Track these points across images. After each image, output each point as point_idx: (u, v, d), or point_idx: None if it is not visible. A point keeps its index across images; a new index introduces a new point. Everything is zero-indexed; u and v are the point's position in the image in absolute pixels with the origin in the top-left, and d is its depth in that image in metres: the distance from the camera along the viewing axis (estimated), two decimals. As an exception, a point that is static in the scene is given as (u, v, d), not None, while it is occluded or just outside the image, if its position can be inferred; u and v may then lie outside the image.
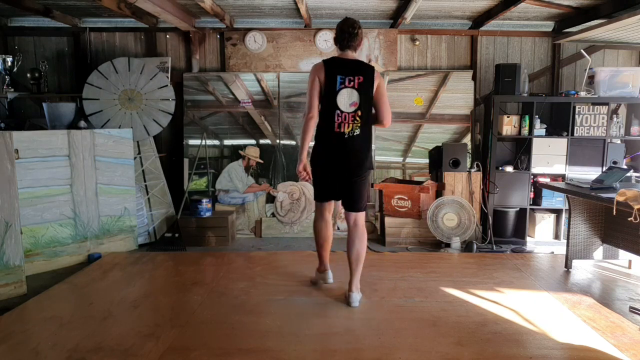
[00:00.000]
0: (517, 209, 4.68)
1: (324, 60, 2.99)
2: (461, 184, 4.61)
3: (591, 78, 4.55)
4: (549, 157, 4.57)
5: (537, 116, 4.57)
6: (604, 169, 4.27)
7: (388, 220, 4.63)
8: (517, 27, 5.03)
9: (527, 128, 4.58)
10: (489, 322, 2.80)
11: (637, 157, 4.69)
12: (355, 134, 2.95)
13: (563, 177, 4.56)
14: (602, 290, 3.43)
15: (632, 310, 2.99)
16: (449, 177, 4.61)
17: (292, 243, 4.68)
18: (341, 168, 3.01)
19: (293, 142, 5.01)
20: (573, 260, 3.81)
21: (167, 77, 4.84)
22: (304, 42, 5.01)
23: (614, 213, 3.04)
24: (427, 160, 5.02)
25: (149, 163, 4.73)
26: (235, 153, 5.03)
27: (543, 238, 4.67)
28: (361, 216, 3.09)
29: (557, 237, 4.69)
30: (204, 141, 5.01)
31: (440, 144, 4.78)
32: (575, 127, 4.52)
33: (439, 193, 4.65)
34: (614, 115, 4.54)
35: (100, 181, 4.19)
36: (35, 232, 3.79)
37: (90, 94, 4.55)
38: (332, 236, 3.27)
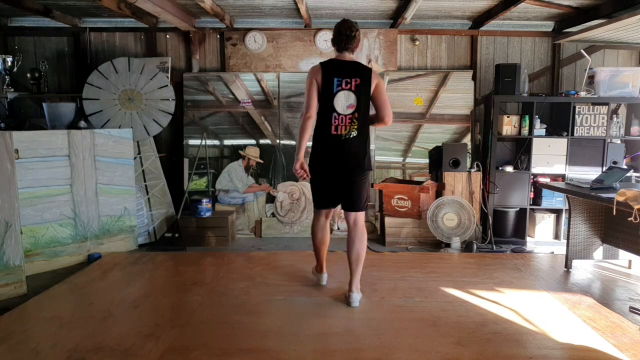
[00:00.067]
0: (517, 209, 4.68)
1: (321, 63, 2.99)
2: (461, 184, 4.61)
3: (591, 78, 4.55)
4: (549, 157, 4.57)
5: (537, 116, 4.57)
6: (604, 169, 4.27)
7: (388, 220, 4.63)
8: (517, 27, 5.03)
9: (527, 128, 4.58)
10: (489, 322, 2.80)
11: (637, 157, 4.69)
12: (352, 135, 2.96)
13: (563, 177, 4.56)
14: (602, 290, 3.43)
15: (632, 310, 2.99)
16: (449, 177, 4.61)
17: (292, 243, 4.68)
18: (339, 169, 3.01)
19: (293, 142, 5.01)
20: (573, 260, 3.81)
21: (167, 77, 4.84)
22: (304, 42, 5.01)
23: (614, 213, 3.04)
24: (427, 160, 5.02)
25: (149, 163, 4.73)
26: (235, 153, 5.03)
27: (543, 238, 4.67)
28: (361, 216, 3.09)
29: (557, 237, 4.69)
30: (204, 141, 5.01)
31: (440, 144, 4.78)
32: (575, 127, 4.52)
33: (439, 193, 4.65)
34: (614, 115, 4.54)
35: (100, 181, 4.19)
36: (35, 232, 3.79)
37: (90, 94, 4.55)
38: (330, 239, 3.28)
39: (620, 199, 2.94)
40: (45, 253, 3.84)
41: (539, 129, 4.60)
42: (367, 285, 3.32)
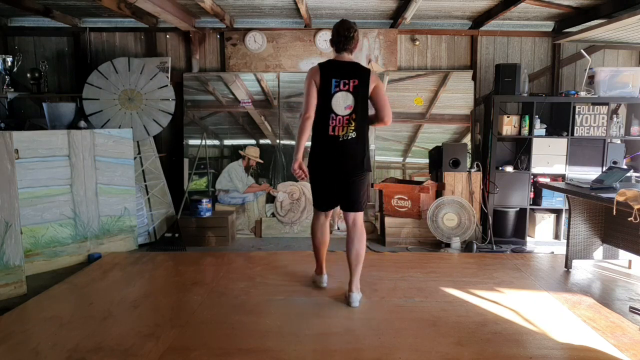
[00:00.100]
0: (517, 209, 4.68)
1: (319, 64, 3.00)
2: (461, 184, 4.61)
3: (591, 78, 4.55)
4: (549, 157, 4.57)
5: (537, 116, 4.57)
6: (604, 169, 4.27)
7: (388, 220, 4.63)
8: (517, 27, 5.03)
9: (527, 128, 4.58)
10: (489, 322, 2.80)
11: (637, 157, 4.69)
12: (349, 137, 2.96)
13: (563, 177, 4.56)
14: (602, 290, 3.43)
15: (632, 310, 2.99)
16: (449, 177, 4.61)
17: (292, 243, 4.68)
18: (337, 170, 3.01)
19: (293, 142, 5.00)
20: (573, 260, 3.81)
21: (167, 77, 4.84)
22: (304, 42, 5.01)
23: (614, 213, 3.04)
24: (427, 160, 5.02)
25: (149, 163, 4.73)
26: (235, 153, 5.03)
27: (543, 238, 4.67)
28: (360, 216, 3.09)
29: (557, 237, 4.69)
30: (204, 141, 5.01)
31: (440, 144, 4.78)
32: (575, 127, 4.52)
33: (439, 193, 4.65)
34: (614, 115, 4.54)
35: (100, 181, 4.19)
36: (35, 232, 3.79)
37: (90, 94, 4.55)
38: (330, 240, 3.27)
39: (620, 199, 2.94)
40: (45, 253, 3.84)
41: (539, 129, 4.60)
42: (367, 285, 3.33)
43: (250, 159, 5.01)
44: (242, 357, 2.40)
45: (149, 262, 3.99)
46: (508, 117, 4.63)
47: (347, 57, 3.01)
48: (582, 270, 3.83)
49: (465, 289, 3.32)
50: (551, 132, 4.64)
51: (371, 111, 3.07)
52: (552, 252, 4.37)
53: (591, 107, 4.50)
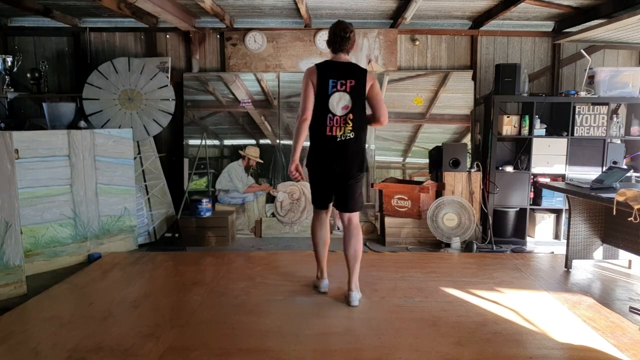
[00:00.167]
0: (517, 209, 4.68)
1: (316, 64, 3.02)
2: (461, 184, 4.61)
3: (591, 78, 4.55)
4: (549, 157, 4.57)
5: (537, 116, 4.57)
6: (604, 169, 4.27)
7: (388, 220, 4.63)
8: (517, 27, 5.03)
9: (527, 128, 4.58)
10: (489, 322, 2.80)
11: (637, 157, 4.69)
12: (347, 137, 2.97)
13: (563, 177, 4.56)
14: (602, 290, 3.43)
15: (632, 310, 2.99)
16: (449, 177, 4.61)
17: (292, 243, 4.68)
18: (334, 170, 3.02)
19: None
20: (573, 260, 3.81)
21: (167, 77, 4.84)
22: (304, 42, 5.01)
23: (614, 213, 3.04)
24: (427, 160, 5.01)
25: (149, 163, 4.73)
26: (235, 153, 5.03)
27: (543, 238, 4.67)
28: (355, 215, 3.10)
29: (557, 237, 4.69)
30: (204, 141, 5.01)
31: (440, 144, 4.78)
32: (575, 127, 4.52)
33: (439, 193, 4.65)
34: (614, 115, 4.54)
35: (100, 181, 4.19)
36: (35, 232, 3.79)
37: (90, 94, 4.55)
38: (330, 240, 3.25)
39: (620, 199, 2.94)
40: (45, 253, 3.84)
41: (539, 129, 4.60)
42: (367, 285, 3.33)
43: (250, 159, 5.01)
44: (242, 357, 2.40)
45: (149, 262, 3.99)
46: (508, 117, 4.63)
47: (343, 57, 3.03)
48: (582, 270, 3.83)
49: (465, 289, 3.32)
50: (551, 132, 4.64)
51: (368, 111, 3.08)
52: (552, 252, 4.37)
53: (591, 107, 4.50)
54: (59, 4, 4.46)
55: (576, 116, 4.50)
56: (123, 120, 4.59)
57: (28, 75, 4.74)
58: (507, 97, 4.58)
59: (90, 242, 4.13)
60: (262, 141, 5.05)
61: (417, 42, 5.08)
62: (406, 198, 4.58)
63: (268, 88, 5.02)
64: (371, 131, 4.90)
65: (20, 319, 2.86)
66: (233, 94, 5.02)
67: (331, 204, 3.17)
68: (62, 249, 3.94)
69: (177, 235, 4.55)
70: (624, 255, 3.77)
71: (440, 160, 4.67)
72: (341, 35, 2.96)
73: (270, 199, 4.98)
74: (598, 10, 4.22)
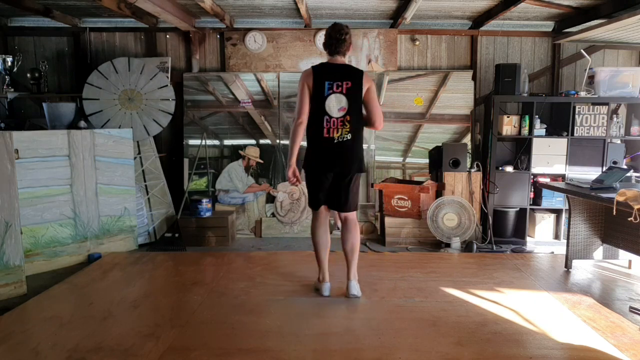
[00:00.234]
0: (517, 209, 4.68)
1: (312, 67, 3.04)
2: (461, 184, 4.61)
3: (591, 78, 4.55)
4: (549, 157, 4.57)
5: (537, 116, 4.57)
6: (604, 169, 4.27)
7: (388, 220, 4.63)
8: (517, 27, 5.03)
9: (527, 128, 4.58)
10: (489, 322, 2.80)
11: (637, 157, 4.69)
12: (345, 139, 2.99)
13: (563, 177, 4.56)
14: (602, 290, 3.43)
15: (632, 310, 2.99)
16: (449, 177, 4.61)
17: (292, 243, 4.68)
18: (332, 172, 3.04)
19: (293, 142, 5.01)
20: (573, 260, 3.81)
21: (167, 77, 4.84)
22: (304, 42, 5.01)
23: (614, 213, 3.04)
24: (427, 160, 5.01)
25: (149, 163, 4.73)
26: (235, 153, 5.03)
27: (543, 238, 4.67)
28: (352, 213, 3.17)
29: (557, 237, 4.69)
30: (204, 141, 5.01)
31: (440, 144, 4.78)
32: (575, 127, 4.52)
33: (439, 193, 4.65)
34: (614, 115, 4.54)
35: (100, 181, 4.19)
36: (35, 232, 3.79)
37: (90, 94, 4.55)
38: (330, 241, 3.25)
39: (620, 199, 2.94)
40: (45, 253, 3.84)
41: (539, 129, 4.60)
42: (367, 285, 3.33)
43: (250, 159, 5.01)
44: (242, 357, 2.40)
45: (149, 262, 3.99)
46: (508, 117, 4.63)
47: (340, 59, 3.06)
48: (582, 270, 3.83)
49: (465, 289, 3.32)
50: (551, 132, 4.64)
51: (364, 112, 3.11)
52: (552, 252, 4.37)
53: (591, 107, 4.50)
54: (59, 4, 4.46)
55: (576, 116, 4.50)
56: (123, 120, 4.59)
57: (28, 75, 4.74)
58: (507, 97, 4.58)
59: (90, 242, 4.13)
60: (262, 141, 5.05)
61: (417, 42, 5.08)
62: (406, 198, 4.58)
63: (268, 88, 5.02)
64: (371, 131, 4.90)
65: (20, 319, 2.86)
66: (233, 94, 5.02)
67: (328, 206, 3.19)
68: (62, 249, 3.94)
69: (177, 235, 4.55)
70: (624, 255, 3.77)
71: (440, 160, 4.67)
72: (336, 37, 2.99)
73: (270, 199, 4.98)
74: (598, 10, 4.22)
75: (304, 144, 3.10)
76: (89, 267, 3.85)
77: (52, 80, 5.07)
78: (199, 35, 5.04)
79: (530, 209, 4.65)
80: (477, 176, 4.63)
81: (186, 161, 5.00)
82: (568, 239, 3.77)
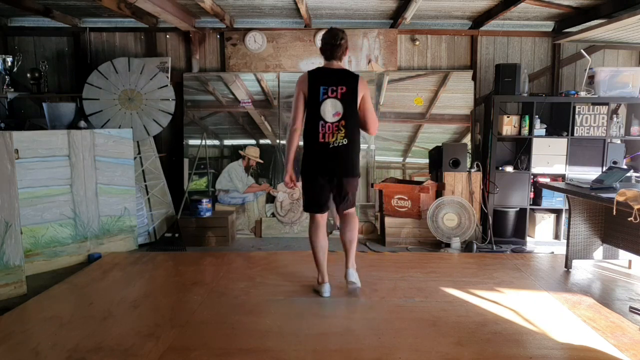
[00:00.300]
0: (517, 209, 4.68)
1: (308, 72, 3.08)
2: (461, 184, 4.61)
3: (591, 78, 4.55)
4: (549, 157, 4.57)
5: (537, 116, 4.57)
6: (604, 169, 4.27)
7: (388, 220, 4.63)
8: (517, 27, 5.03)
9: (527, 128, 4.58)
10: (489, 322, 2.80)
11: (637, 157, 4.69)
12: (340, 144, 3.02)
13: (563, 177, 4.56)
14: (602, 290, 3.43)
15: (632, 310, 2.99)
16: (449, 177, 4.61)
17: (292, 243, 4.68)
18: (327, 176, 3.07)
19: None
20: (573, 260, 3.81)
21: (167, 77, 4.84)
22: (304, 42, 5.01)
23: (614, 213, 3.04)
24: (427, 160, 5.02)
25: (149, 163, 4.73)
26: (235, 153, 5.03)
27: (543, 238, 4.67)
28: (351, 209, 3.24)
29: (557, 237, 4.69)
30: (204, 141, 5.01)
31: (440, 144, 4.78)
32: (575, 127, 4.52)
33: (439, 193, 4.65)
34: (614, 115, 4.54)
35: (100, 181, 4.19)
36: (35, 232, 3.79)
37: (90, 94, 4.55)
38: (328, 243, 3.26)
39: (620, 199, 2.94)
40: (45, 253, 3.84)
41: (539, 129, 4.60)
42: (367, 285, 3.33)
43: (250, 159, 5.01)
44: (242, 357, 2.40)
45: (149, 262, 3.99)
46: (508, 117, 4.63)
47: (336, 64, 3.08)
48: (582, 270, 3.83)
49: (465, 289, 3.32)
50: (551, 132, 4.64)
51: None
52: (552, 252, 4.37)
53: (591, 107, 4.50)
54: (59, 4, 4.46)
55: (576, 116, 4.50)
56: (123, 120, 4.59)
57: (28, 75, 4.74)
58: (507, 97, 4.58)
59: (90, 242, 4.13)
60: (262, 141, 5.05)
61: (417, 42, 5.08)
62: (406, 198, 4.58)
63: (268, 88, 5.02)
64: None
65: (20, 319, 2.86)
66: (233, 94, 5.02)
67: (326, 209, 3.20)
68: (62, 249, 3.94)
69: (177, 235, 4.55)
70: (624, 255, 3.77)
71: (440, 160, 4.67)
72: (331, 43, 3.03)
73: (270, 199, 4.98)
74: (598, 10, 4.22)
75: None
76: (89, 267, 3.84)
77: (52, 80, 5.07)
78: (199, 35, 5.04)
79: (530, 209, 4.65)
80: (477, 176, 4.63)
81: (186, 161, 5.00)
82: (568, 239, 3.77)
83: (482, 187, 4.66)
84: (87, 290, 3.35)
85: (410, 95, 5.02)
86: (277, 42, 5.01)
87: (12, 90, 4.62)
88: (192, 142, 5.02)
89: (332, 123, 3.00)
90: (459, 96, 4.99)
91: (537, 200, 4.66)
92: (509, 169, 4.63)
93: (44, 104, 4.20)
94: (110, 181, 4.25)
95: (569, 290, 3.37)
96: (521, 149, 4.63)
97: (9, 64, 4.57)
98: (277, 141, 5.03)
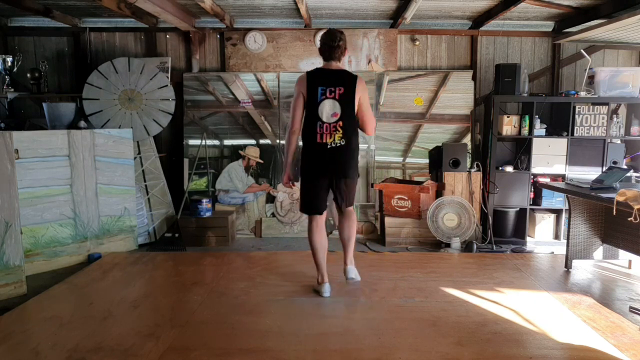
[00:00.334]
0: (517, 209, 4.68)
1: (307, 72, 3.10)
2: (461, 184, 4.61)
3: (591, 78, 4.55)
4: (549, 157, 4.57)
5: (537, 116, 4.57)
6: (604, 169, 4.27)
7: (388, 220, 4.63)
8: (517, 27, 5.03)
9: (527, 128, 4.58)
10: (489, 322, 2.80)
11: (637, 157, 4.69)
12: (338, 144, 3.03)
13: (563, 177, 4.56)
14: (602, 290, 3.43)
15: (632, 310, 2.99)
16: (449, 177, 4.61)
17: (292, 243, 4.68)
18: (325, 177, 3.09)
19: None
20: (573, 260, 3.81)
21: (167, 77, 4.84)
22: (304, 42, 5.01)
23: (614, 213, 3.04)
24: (427, 160, 5.01)
25: (149, 163, 4.73)
26: (235, 153, 5.03)
27: (543, 238, 4.67)
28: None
29: (557, 237, 4.69)
30: (204, 141, 5.01)
31: (440, 144, 4.78)
32: (575, 127, 4.52)
33: (439, 193, 4.65)
34: (614, 115, 4.54)
35: (100, 181, 4.19)
36: (35, 232, 3.79)
37: (90, 94, 4.55)
38: (328, 242, 3.27)
39: (620, 199, 2.94)
40: (45, 253, 3.84)
41: (539, 129, 4.60)
42: (367, 285, 3.33)
43: (250, 159, 5.01)
44: (242, 357, 2.40)
45: (149, 262, 3.99)
46: (508, 117, 4.63)
47: (334, 65, 3.10)
48: (582, 270, 3.83)
49: (465, 289, 3.32)
50: (551, 132, 4.64)
51: None
52: (552, 252, 4.37)
53: (591, 107, 4.50)
54: (59, 4, 4.46)
55: (576, 116, 4.50)
56: (123, 120, 4.59)
57: (28, 75, 4.74)
58: (507, 97, 4.58)
59: (90, 242, 4.13)
60: (262, 141, 5.05)
61: (417, 42, 5.08)
62: (406, 198, 4.58)
63: (268, 88, 5.02)
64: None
65: (20, 319, 2.86)
66: (233, 94, 5.02)
67: (324, 209, 3.21)
68: (62, 249, 3.94)
69: (177, 235, 4.55)
70: (624, 255, 3.77)
71: (440, 160, 4.67)
72: (330, 44, 3.05)
73: (270, 199, 4.98)
74: (598, 10, 4.22)
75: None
76: (89, 267, 3.84)
77: (52, 80, 5.07)
78: (199, 35, 5.04)
79: (530, 209, 4.65)
80: (477, 176, 4.63)
81: (186, 161, 5.00)
82: (568, 239, 3.77)
83: (482, 187, 4.66)
84: (87, 290, 3.35)
85: (410, 95, 5.02)
86: (277, 42, 5.01)
87: (12, 90, 4.62)
88: (192, 142, 5.02)
89: (330, 124, 3.01)
90: (459, 96, 4.99)
91: (537, 200, 4.66)
92: (509, 169, 4.63)
93: (44, 104, 4.20)
94: (110, 181, 4.25)
95: (569, 290, 3.37)
96: (521, 149, 4.63)
97: (9, 64, 4.57)
98: (277, 141, 5.03)
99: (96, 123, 4.51)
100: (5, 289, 3.22)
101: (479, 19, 4.86)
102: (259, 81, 5.02)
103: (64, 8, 4.61)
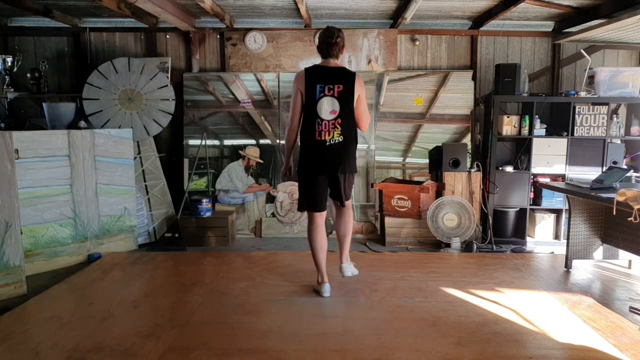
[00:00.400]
0: (517, 209, 4.68)
1: (305, 69, 3.10)
2: (461, 184, 4.61)
3: (591, 78, 4.55)
4: (549, 157, 4.57)
5: (537, 116, 4.57)
6: (604, 169, 4.27)
7: (388, 220, 4.63)
8: (517, 27, 5.03)
9: (527, 128, 4.58)
10: (489, 322, 2.80)
11: (637, 157, 4.69)
12: (336, 141, 3.04)
13: (563, 177, 4.56)
14: (602, 290, 3.43)
15: (632, 310, 2.99)
16: (449, 177, 4.61)
17: (292, 243, 4.68)
18: (323, 174, 3.10)
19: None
20: (573, 260, 3.81)
21: (167, 77, 4.84)
22: (304, 42, 5.01)
23: (614, 213, 3.04)
24: (427, 160, 5.01)
25: (149, 163, 4.73)
26: (235, 153, 5.03)
27: (543, 238, 4.67)
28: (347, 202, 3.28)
29: (557, 237, 4.69)
30: (204, 141, 5.01)
31: (440, 144, 4.78)
32: (575, 127, 4.52)
33: (439, 193, 4.65)
34: (614, 115, 4.54)
35: (100, 181, 4.19)
36: (35, 232, 3.79)
37: (90, 94, 4.55)
38: (327, 243, 3.25)
39: (620, 199, 2.94)
40: (45, 253, 3.84)
41: (539, 129, 4.60)
42: (367, 285, 3.33)
43: (250, 159, 5.01)
44: (242, 357, 2.40)
45: (149, 262, 3.99)
46: (508, 117, 4.63)
47: (332, 62, 3.11)
48: (582, 270, 3.83)
49: (465, 289, 3.32)
50: (551, 132, 4.64)
51: None
52: (552, 252, 4.37)
53: (591, 107, 4.50)
54: (59, 4, 4.46)
55: (576, 116, 4.50)
56: (123, 120, 4.59)
57: (28, 75, 4.74)
58: (507, 97, 4.58)
59: (90, 242, 4.13)
60: (262, 141, 5.05)
61: (417, 42, 5.08)
62: (406, 198, 4.58)
63: (268, 88, 5.02)
64: (371, 131, 4.91)
65: (20, 319, 2.86)
66: (233, 94, 5.02)
67: (323, 209, 3.21)
68: (62, 249, 3.94)
69: (177, 235, 4.55)
70: (624, 255, 3.77)
71: (440, 160, 4.67)
72: (327, 41, 3.05)
73: (270, 199, 4.98)
74: (598, 10, 4.22)
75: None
76: (89, 267, 3.84)
77: (52, 80, 5.07)
78: (199, 35, 5.04)
79: (530, 209, 4.65)
80: (477, 176, 4.63)
81: (186, 161, 5.00)
82: (568, 239, 3.77)
83: (482, 187, 4.66)
84: (87, 290, 3.36)
85: (410, 95, 5.02)
86: (277, 42, 5.01)
87: (12, 90, 4.62)
88: (192, 142, 5.02)
89: (329, 121, 3.02)
90: (459, 96, 4.99)
91: (537, 200, 4.66)
92: (509, 169, 4.63)
93: (44, 104, 4.20)
94: (110, 181, 4.25)
95: (569, 290, 3.37)
96: (521, 149, 4.63)
97: (9, 64, 4.57)
98: (277, 141, 5.02)
99: (96, 123, 4.51)
100: (5, 289, 3.22)
101: (479, 19, 4.86)
102: (259, 81, 5.02)
103: (64, 8, 4.61)
